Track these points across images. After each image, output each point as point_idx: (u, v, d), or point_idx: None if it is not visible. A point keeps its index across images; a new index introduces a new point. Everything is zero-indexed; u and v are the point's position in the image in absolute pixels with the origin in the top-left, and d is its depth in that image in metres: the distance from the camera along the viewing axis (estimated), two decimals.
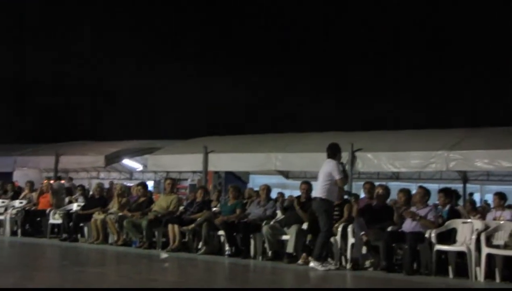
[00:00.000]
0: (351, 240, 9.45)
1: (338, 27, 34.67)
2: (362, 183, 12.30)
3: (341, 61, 33.15)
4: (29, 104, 34.23)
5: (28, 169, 21.79)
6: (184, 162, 16.06)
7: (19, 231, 13.76)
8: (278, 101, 33.53)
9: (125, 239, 11.99)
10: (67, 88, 34.45)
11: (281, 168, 16.30)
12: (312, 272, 8.94)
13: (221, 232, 10.95)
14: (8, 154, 20.53)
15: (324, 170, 9.41)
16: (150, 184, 20.73)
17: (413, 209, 9.43)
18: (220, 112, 31.41)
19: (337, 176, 9.27)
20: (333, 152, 9.60)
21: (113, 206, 12.81)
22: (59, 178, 19.78)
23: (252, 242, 10.62)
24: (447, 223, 9.18)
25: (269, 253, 10.39)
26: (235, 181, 20.48)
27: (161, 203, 12.16)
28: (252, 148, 15.48)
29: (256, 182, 21.99)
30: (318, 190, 9.42)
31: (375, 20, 34.16)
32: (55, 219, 13.39)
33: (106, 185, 16.88)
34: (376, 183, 11.19)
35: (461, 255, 8.86)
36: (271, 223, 10.61)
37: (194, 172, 20.67)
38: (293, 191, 20.81)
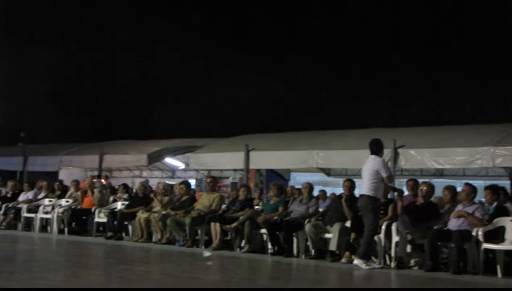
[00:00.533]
0: (395, 238, 9.34)
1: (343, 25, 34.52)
2: (404, 180, 12.17)
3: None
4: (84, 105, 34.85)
5: (73, 168, 22.21)
6: (225, 160, 16.13)
7: (65, 229, 14.03)
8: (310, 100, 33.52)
9: (169, 238, 12.10)
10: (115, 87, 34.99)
11: (322, 165, 16.23)
12: (356, 271, 8.87)
13: (263, 230, 10.97)
14: (54, 153, 20.98)
15: (370, 166, 9.32)
16: (192, 182, 20.90)
17: (459, 206, 9.26)
18: (253, 111, 31.53)
19: (384, 174, 9.20)
20: (377, 148, 9.51)
21: (156, 205, 12.93)
22: (99, 177, 20.14)
23: (294, 240, 10.60)
24: (495, 220, 8.96)
25: (312, 251, 10.36)
26: (276, 178, 20.46)
27: (204, 201, 12.24)
28: (293, 145, 15.46)
29: (297, 180, 21.94)
30: (364, 188, 9.28)
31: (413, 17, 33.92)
32: (100, 217, 13.61)
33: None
34: (420, 180, 11.02)
35: (509, 253, 8.66)
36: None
37: (235, 170, 20.73)
38: (335, 188, 20.74)
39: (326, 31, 36.39)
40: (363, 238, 9.13)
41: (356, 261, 9.06)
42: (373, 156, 9.45)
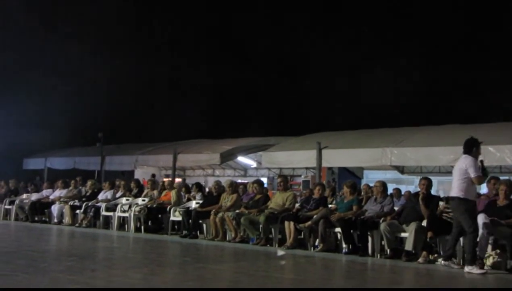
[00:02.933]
0: None
1: None
2: None
3: None
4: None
5: (147, 167, 22.77)
6: (297, 158, 16.12)
7: (142, 228, 14.38)
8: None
9: (243, 236, 12.21)
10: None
11: (396, 163, 15.92)
12: (433, 271, 8.69)
13: (337, 229, 10.89)
14: (130, 153, 21.56)
15: (459, 166, 8.81)
16: (264, 181, 21.01)
17: None
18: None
19: (472, 174, 8.58)
20: (467, 148, 8.92)
21: (225, 201, 13.04)
22: (153, 176, 20.63)
23: (369, 239, 10.47)
24: None
25: (387, 250, 10.20)
26: (349, 176, 20.30)
27: (277, 200, 12.28)
28: (366, 143, 15.27)
29: (370, 178, 21.69)
30: (454, 189, 8.75)
31: None
32: (176, 216, 13.87)
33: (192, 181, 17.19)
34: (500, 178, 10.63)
35: None
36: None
37: (307, 168, 20.68)
38: (409, 186, 20.36)
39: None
40: (466, 243, 8.68)
41: (466, 268, 8.56)
42: (465, 155, 8.88)
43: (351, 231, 10.66)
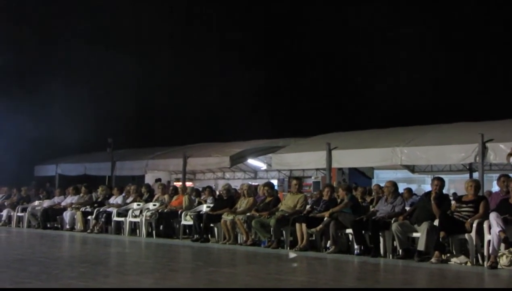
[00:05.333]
0: (487, 237, 9.01)
1: None
2: (494, 175, 11.72)
3: None
4: None
5: (158, 172, 22.81)
6: (307, 159, 16.08)
7: (153, 232, 14.40)
8: None
9: (254, 239, 12.20)
10: None
11: (406, 162, 15.86)
12: (446, 271, 8.63)
13: (349, 231, 10.86)
14: (140, 158, 21.60)
15: None
16: (274, 182, 20.99)
17: None
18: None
19: None
20: None
21: (241, 205, 13.05)
22: (159, 180, 20.67)
23: (381, 240, 10.43)
24: None
25: (399, 251, 10.16)
26: (359, 177, 20.27)
27: (288, 202, 12.27)
28: (376, 142, 15.22)
29: (380, 177, 21.65)
30: None
31: None
32: (187, 220, 13.88)
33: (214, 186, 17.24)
34: (511, 175, 10.57)
35: None
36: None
37: (317, 169, 20.65)
38: (422, 185, 20.30)
39: None
40: None
41: None
42: None
43: (363, 232, 10.63)
